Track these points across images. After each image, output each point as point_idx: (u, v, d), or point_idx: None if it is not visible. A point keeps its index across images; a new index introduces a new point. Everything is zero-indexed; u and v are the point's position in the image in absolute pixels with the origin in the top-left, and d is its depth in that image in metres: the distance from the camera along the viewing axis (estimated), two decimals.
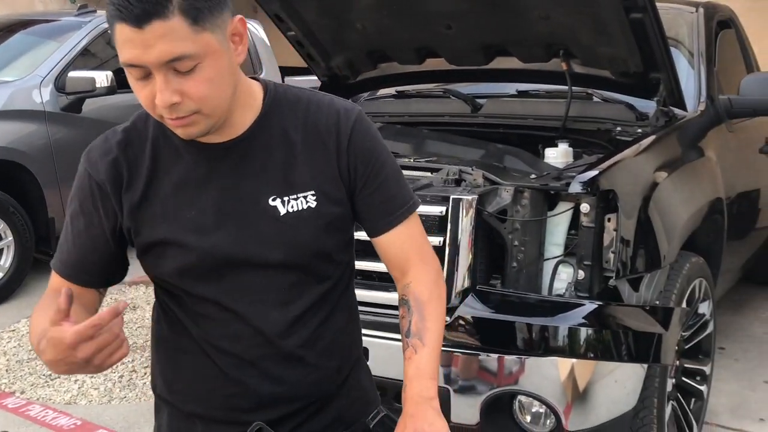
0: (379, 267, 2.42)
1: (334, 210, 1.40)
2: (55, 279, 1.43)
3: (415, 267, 1.46)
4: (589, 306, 2.36)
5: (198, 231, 1.35)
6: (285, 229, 1.37)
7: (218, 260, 1.36)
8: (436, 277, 1.48)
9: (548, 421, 2.39)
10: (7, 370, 4.48)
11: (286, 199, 1.37)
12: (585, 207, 2.39)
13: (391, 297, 2.47)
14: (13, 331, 5.03)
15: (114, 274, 1.44)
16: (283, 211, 1.36)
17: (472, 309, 2.41)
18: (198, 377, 1.43)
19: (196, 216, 1.35)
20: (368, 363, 2.51)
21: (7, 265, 5.28)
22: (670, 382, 2.70)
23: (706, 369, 3.09)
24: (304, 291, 1.41)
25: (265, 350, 1.39)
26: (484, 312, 2.41)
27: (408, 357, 1.40)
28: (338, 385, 1.50)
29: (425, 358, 1.38)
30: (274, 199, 1.36)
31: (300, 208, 1.37)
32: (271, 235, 1.36)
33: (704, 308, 3.01)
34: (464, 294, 2.44)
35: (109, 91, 5.38)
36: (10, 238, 5.25)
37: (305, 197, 1.37)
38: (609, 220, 2.42)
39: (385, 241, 1.46)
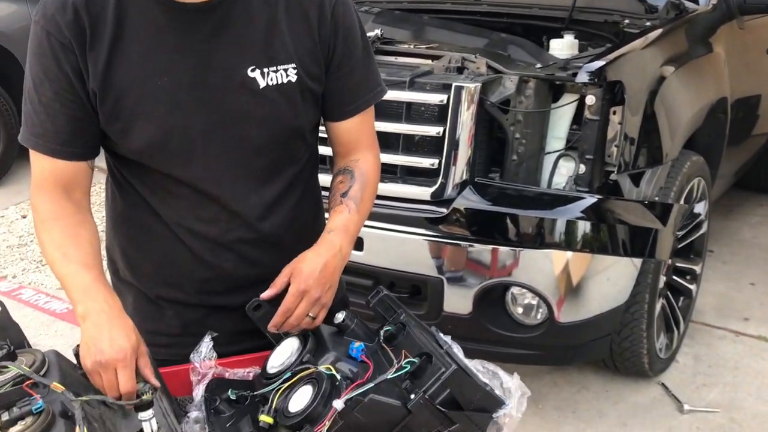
0: None
1: (312, 86, 1.33)
2: (39, 162, 1.28)
3: (364, 151, 1.44)
4: (589, 200, 2.33)
5: (169, 102, 1.24)
6: (263, 103, 1.28)
7: (191, 137, 1.26)
8: (378, 164, 1.47)
9: (540, 313, 2.41)
10: None
11: (265, 71, 1.27)
12: (590, 99, 2.32)
13: (386, 188, 2.43)
14: (2, 217, 4.99)
15: (99, 139, 1.31)
16: (262, 84, 1.27)
17: (469, 201, 2.38)
18: (168, 261, 1.37)
19: (167, 85, 1.23)
20: (361, 253, 2.53)
21: None
22: (662, 279, 2.72)
23: (697, 269, 3.12)
24: (279, 172, 1.36)
25: (242, 234, 1.35)
26: (481, 204, 2.38)
27: (338, 211, 1.36)
28: None
29: (353, 223, 1.36)
30: (253, 71, 1.27)
31: (280, 82, 1.28)
32: (248, 110, 1.28)
33: (700, 208, 3.00)
34: (462, 186, 2.40)
35: None
36: None
37: (285, 70, 1.29)
38: (614, 113, 2.35)
39: (343, 127, 1.41)
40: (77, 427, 0.99)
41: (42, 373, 1.11)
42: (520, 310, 2.45)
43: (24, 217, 4.97)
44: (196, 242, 1.35)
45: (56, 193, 1.28)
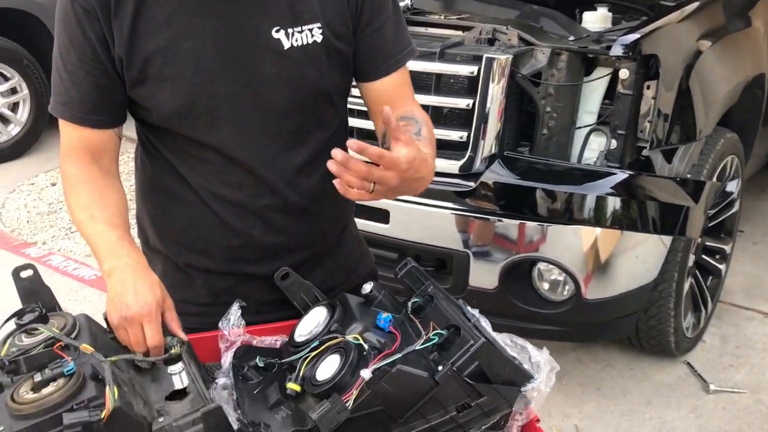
0: None
1: (339, 47, 1.30)
2: (67, 130, 1.30)
3: (413, 106, 1.37)
4: (620, 175, 2.30)
5: (194, 66, 1.23)
6: (289, 65, 1.26)
7: (216, 100, 1.25)
8: (432, 125, 1.34)
9: (566, 290, 2.39)
10: (27, 222, 4.54)
11: (290, 31, 1.25)
12: (624, 72, 2.27)
13: None
14: (32, 184, 5.06)
15: (126, 107, 1.32)
16: (287, 44, 1.25)
17: (497, 175, 2.35)
18: (196, 228, 1.37)
19: (192, 48, 1.22)
20: (387, 226, 2.52)
21: (24, 119, 5.24)
22: (691, 258, 2.68)
23: (727, 248, 3.07)
24: (307, 137, 1.34)
25: (269, 200, 1.34)
26: (509, 178, 2.35)
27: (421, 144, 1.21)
28: (337, 236, 1.47)
29: (432, 155, 1.23)
30: (277, 31, 1.24)
31: (305, 42, 1.26)
32: (274, 72, 1.26)
33: (732, 186, 2.94)
34: (490, 160, 2.37)
35: None
36: (26, 91, 5.18)
37: (311, 30, 1.26)
38: (648, 87, 2.30)
39: (379, 88, 1.36)
40: (107, 388, 0.99)
41: (73, 336, 1.12)
42: (546, 285, 2.43)
43: (53, 185, 5.03)
44: (223, 208, 1.34)
45: (84, 159, 1.30)
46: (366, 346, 1.11)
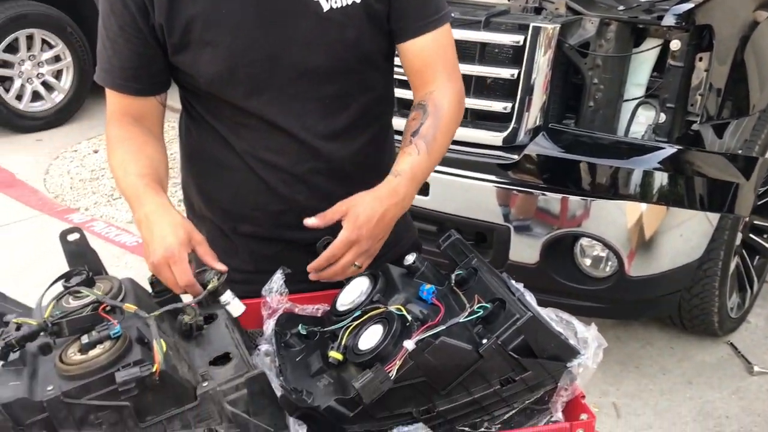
0: None
1: (377, 7, 1.28)
2: (110, 96, 1.33)
3: (441, 79, 1.34)
4: (668, 150, 2.24)
5: (235, 30, 1.23)
6: (328, 27, 1.25)
7: (257, 65, 1.24)
8: (459, 97, 1.36)
9: (609, 266, 2.35)
10: (71, 188, 4.62)
11: None
12: (675, 44, 2.20)
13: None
14: (75, 151, 5.14)
15: (167, 75, 1.33)
16: (326, 7, 1.24)
17: (541, 147, 2.31)
18: (241, 193, 1.37)
19: (232, 13, 1.22)
20: (427, 198, 2.50)
21: (67, 86, 5.31)
22: (738, 236, 2.61)
23: None
24: (349, 101, 1.32)
25: (312, 164, 1.33)
26: (554, 151, 2.31)
27: (406, 152, 1.28)
28: None
29: (422, 167, 1.28)
30: None
31: (344, 4, 1.24)
32: (314, 35, 1.25)
33: None
34: (534, 132, 2.33)
35: None
36: (69, 59, 5.24)
37: None
38: (700, 59, 2.23)
39: (413, 47, 1.33)
40: (154, 343, 1.00)
41: (119, 300, 1.13)
42: (588, 261, 2.39)
43: (95, 152, 5.11)
44: (268, 173, 1.34)
45: (124, 122, 1.32)
46: (409, 317, 1.10)
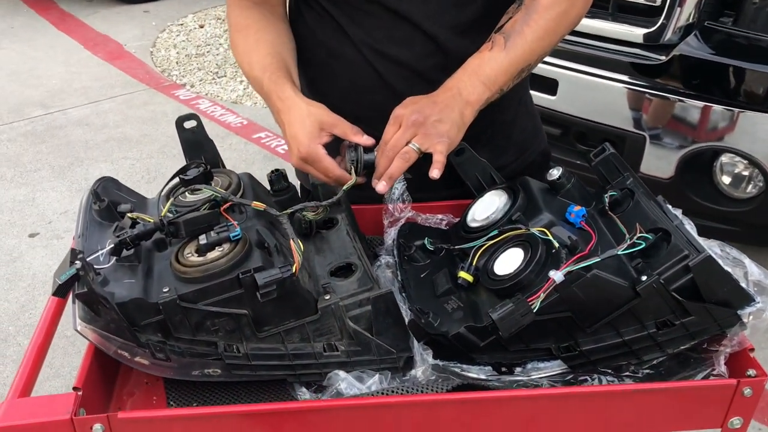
0: None
1: None
2: None
3: None
4: None
5: None
6: None
7: None
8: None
9: (753, 186, 2.11)
10: (177, 63, 4.61)
11: None
12: None
13: (591, 24, 2.14)
14: (182, 25, 5.10)
15: None
16: None
17: (692, 48, 2.04)
18: (357, 90, 1.26)
19: None
20: (554, 98, 2.30)
21: None
22: None
23: None
24: None
25: (438, 60, 1.20)
26: (705, 53, 2.04)
27: (480, 50, 1.14)
28: (513, 107, 1.35)
29: (495, 62, 1.11)
30: None
31: None
32: None
33: None
34: (686, 30, 2.05)
35: None
36: None
37: None
38: None
39: None
40: (291, 242, 0.93)
41: (238, 196, 1.04)
42: (728, 180, 2.16)
43: (201, 26, 5.05)
44: (386, 67, 1.22)
45: (244, 5, 1.26)
46: (555, 243, 0.97)
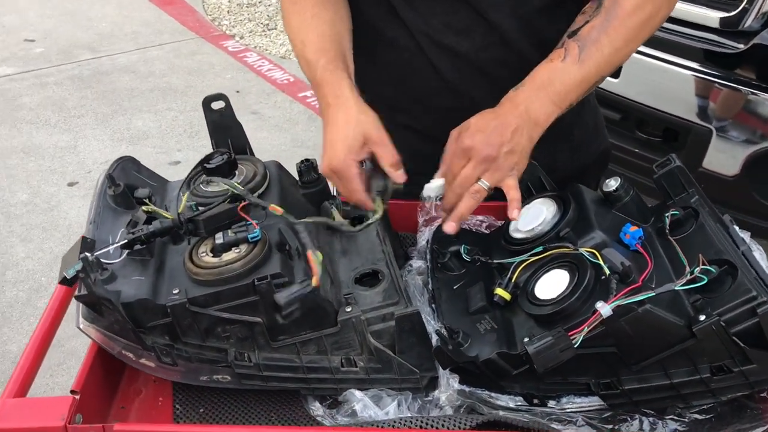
0: None
1: None
2: None
3: None
4: None
5: None
6: None
7: None
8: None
9: None
10: (228, 12, 4.53)
11: None
12: None
13: None
14: None
15: None
16: None
17: None
18: (406, 79, 1.16)
19: None
20: (616, 81, 2.15)
21: None
22: None
23: None
24: None
25: (499, 53, 1.10)
26: None
27: (550, 57, 1.02)
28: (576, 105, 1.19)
29: (567, 76, 0.99)
30: None
31: None
32: None
33: None
34: None
35: None
36: None
37: None
38: None
39: None
40: (310, 253, 0.85)
41: (262, 188, 0.97)
42: None
43: None
44: (442, 58, 1.12)
45: None
46: (606, 269, 0.87)
